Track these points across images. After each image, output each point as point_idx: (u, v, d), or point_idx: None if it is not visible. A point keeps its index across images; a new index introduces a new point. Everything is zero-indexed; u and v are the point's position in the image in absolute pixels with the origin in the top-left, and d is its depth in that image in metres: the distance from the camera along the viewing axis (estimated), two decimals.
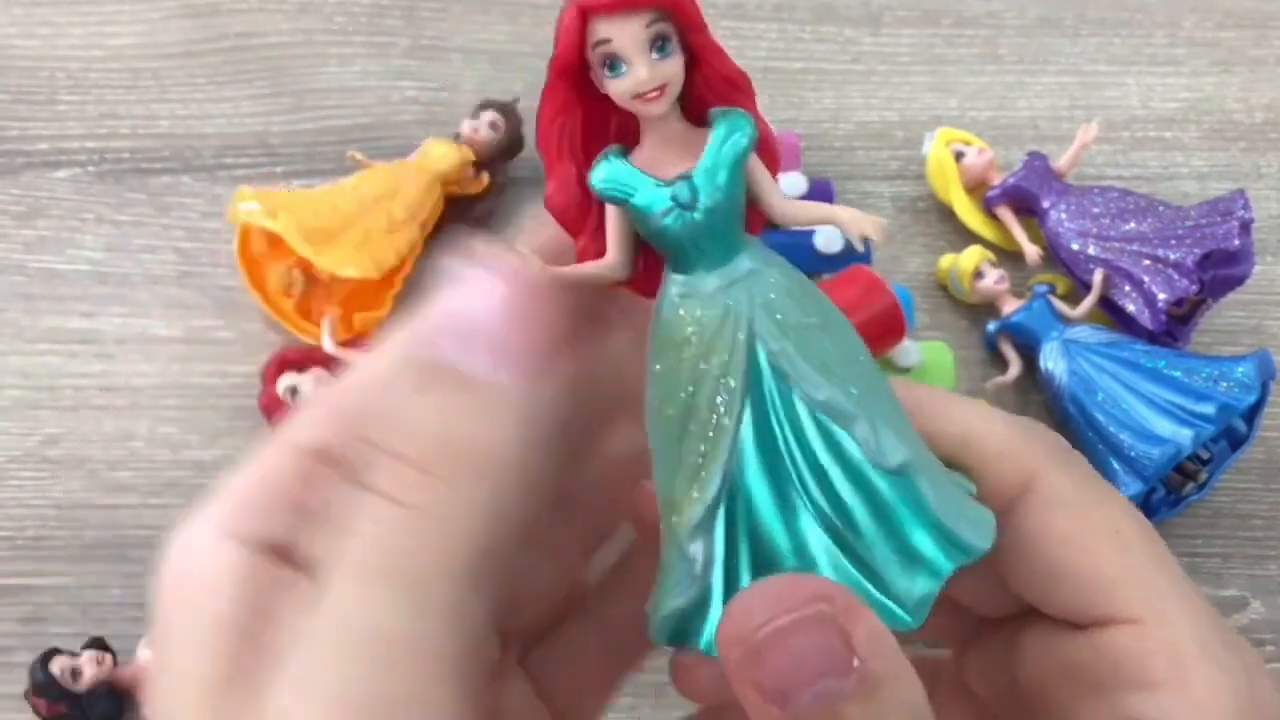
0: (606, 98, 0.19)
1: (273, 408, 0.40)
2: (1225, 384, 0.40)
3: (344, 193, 0.43)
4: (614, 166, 0.19)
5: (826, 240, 0.45)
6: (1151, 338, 0.43)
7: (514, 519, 0.17)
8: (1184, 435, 0.39)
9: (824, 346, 0.19)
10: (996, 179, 0.47)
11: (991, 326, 0.45)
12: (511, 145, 0.48)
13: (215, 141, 0.49)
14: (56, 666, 0.36)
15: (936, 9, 0.54)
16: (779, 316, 0.19)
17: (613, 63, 0.18)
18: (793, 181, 0.46)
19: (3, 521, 0.40)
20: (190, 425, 0.42)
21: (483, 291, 0.17)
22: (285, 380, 0.40)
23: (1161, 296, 0.42)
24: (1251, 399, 0.40)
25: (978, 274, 0.45)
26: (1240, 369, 0.41)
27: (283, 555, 0.17)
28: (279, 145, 0.49)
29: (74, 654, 0.36)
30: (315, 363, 0.41)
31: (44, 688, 0.36)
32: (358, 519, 0.17)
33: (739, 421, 0.18)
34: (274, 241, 0.43)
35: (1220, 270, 0.43)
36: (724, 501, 0.18)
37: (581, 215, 0.19)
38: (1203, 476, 0.41)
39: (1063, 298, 0.45)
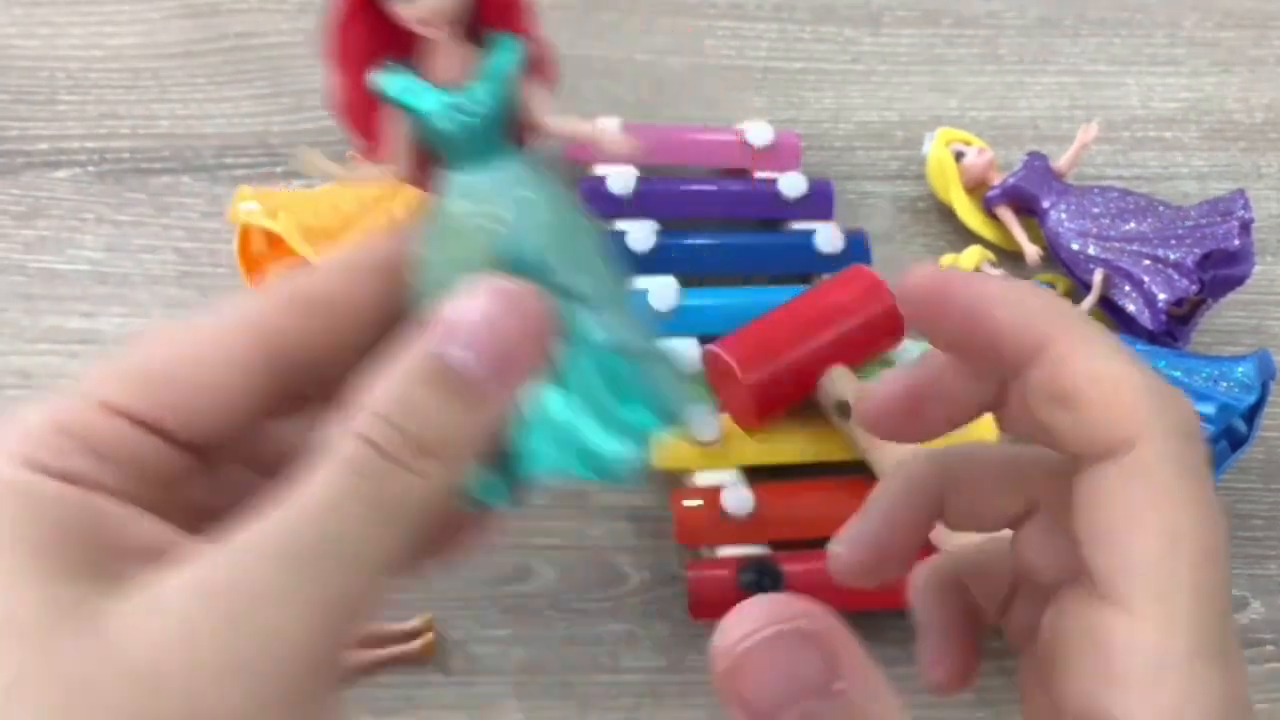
0: (389, 13, 0.21)
1: None
2: (1225, 384, 0.40)
3: (344, 193, 0.43)
4: (400, 76, 0.22)
5: (827, 240, 0.45)
6: (1151, 338, 0.43)
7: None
8: None
9: (570, 244, 0.21)
10: (996, 179, 0.47)
11: None
12: None
13: (215, 141, 0.49)
14: None
15: (936, 9, 0.54)
16: (537, 215, 0.21)
17: None
18: (792, 181, 0.46)
19: None
20: None
21: (479, 305, 0.19)
22: None
23: (1161, 296, 0.42)
24: (1251, 399, 0.40)
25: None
26: (1240, 369, 0.41)
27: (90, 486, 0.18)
28: (279, 145, 0.49)
29: None
30: None
31: None
32: (298, 485, 0.18)
33: None
34: (274, 241, 0.43)
35: (1220, 270, 0.43)
36: None
37: (368, 119, 0.22)
38: None
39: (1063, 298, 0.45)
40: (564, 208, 0.21)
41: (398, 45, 0.22)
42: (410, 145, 0.23)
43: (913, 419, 0.22)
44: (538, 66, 0.22)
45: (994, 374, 0.21)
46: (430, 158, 0.23)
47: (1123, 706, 0.18)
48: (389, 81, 0.22)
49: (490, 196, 0.21)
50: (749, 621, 0.17)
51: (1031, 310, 0.20)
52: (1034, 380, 0.19)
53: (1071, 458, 0.19)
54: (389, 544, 0.19)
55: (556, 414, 0.21)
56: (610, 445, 0.21)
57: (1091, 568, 0.19)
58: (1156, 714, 0.18)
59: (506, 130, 0.23)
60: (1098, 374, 0.19)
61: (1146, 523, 0.18)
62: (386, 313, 0.21)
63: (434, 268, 0.20)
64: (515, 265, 0.20)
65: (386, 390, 0.19)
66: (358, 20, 0.22)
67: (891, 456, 0.36)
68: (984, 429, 0.38)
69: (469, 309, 0.19)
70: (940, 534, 0.23)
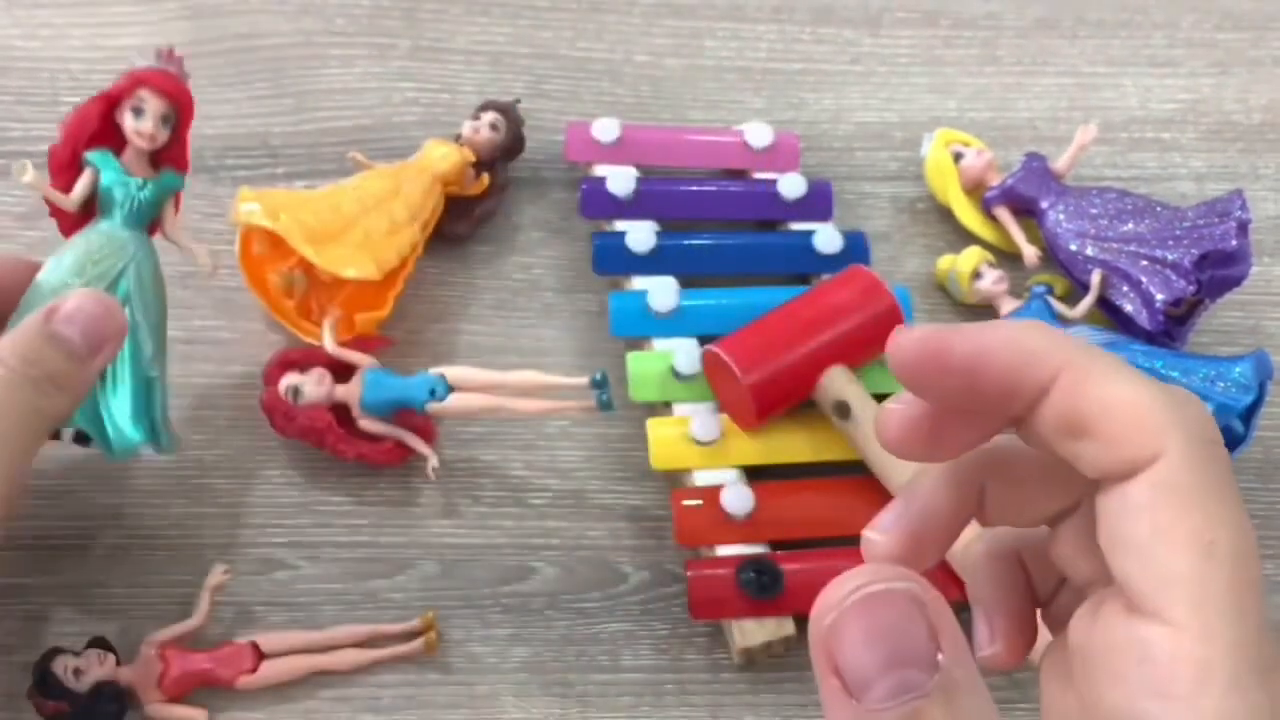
0: (117, 120, 0.37)
1: (274, 408, 0.40)
2: (1222, 384, 0.40)
3: (345, 194, 0.43)
4: (106, 156, 0.38)
5: (826, 241, 0.45)
6: (1149, 338, 0.43)
7: None
8: None
9: (148, 293, 0.37)
10: (995, 180, 0.48)
11: None
12: (512, 146, 0.48)
13: (217, 142, 0.49)
14: (59, 666, 0.36)
15: (935, 10, 0.55)
16: (137, 269, 0.37)
17: (137, 111, 0.37)
18: (791, 182, 0.46)
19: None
20: (192, 425, 0.42)
21: (82, 301, 0.34)
22: (287, 380, 0.41)
23: (1159, 297, 0.43)
24: (1249, 399, 0.40)
25: (976, 275, 0.45)
26: (1237, 369, 0.41)
27: None
28: (280, 146, 0.49)
29: (76, 653, 0.36)
30: (317, 363, 0.41)
31: (46, 687, 0.36)
32: None
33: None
34: (275, 242, 0.43)
35: (1218, 271, 0.43)
36: None
37: (69, 171, 0.37)
38: None
39: (1061, 298, 0.45)
40: (154, 267, 0.37)
41: (112, 139, 0.38)
42: (84, 195, 0.37)
43: (932, 440, 0.21)
44: (178, 197, 0.39)
45: (1005, 420, 0.21)
46: (90, 213, 0.38)
47: (1167, 717, 0.18)
48: (98, 154, 0.37)
49: (120, 244, 0.37)
50: (857, 578, 0.18)
51: (1032, 350, 0.19)
52: (1047, 416, 0.19)
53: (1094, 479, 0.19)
54: (32, 437, 0.33)
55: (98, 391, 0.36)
56: (116, 428, 0.36)
57: (1124, 580, 0.19)
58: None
59: (146, 218, 0.38)
60: (1110, 400, 0.19)
61: (1177, 536, 0.19)
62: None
63: (64, 270, 0.36)
64: (111, 289, 0.36)
65: (26, 343, 0.33)
66: (97, 115, 0.38)
67: (899, 465, 0.35)
68: None
69: (76, 301, 0.33)
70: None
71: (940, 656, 0.17)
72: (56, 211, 0.38)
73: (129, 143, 0.37)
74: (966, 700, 0.17)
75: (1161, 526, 0.19)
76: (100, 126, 0.37)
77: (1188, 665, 0.18)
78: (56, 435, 0.38)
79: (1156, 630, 0.19)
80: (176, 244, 0.39)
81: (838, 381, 0.39)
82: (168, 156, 0.38)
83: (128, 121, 0.37)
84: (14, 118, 0.49)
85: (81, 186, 0.37)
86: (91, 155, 0.37)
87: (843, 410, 0.36)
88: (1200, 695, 0.18)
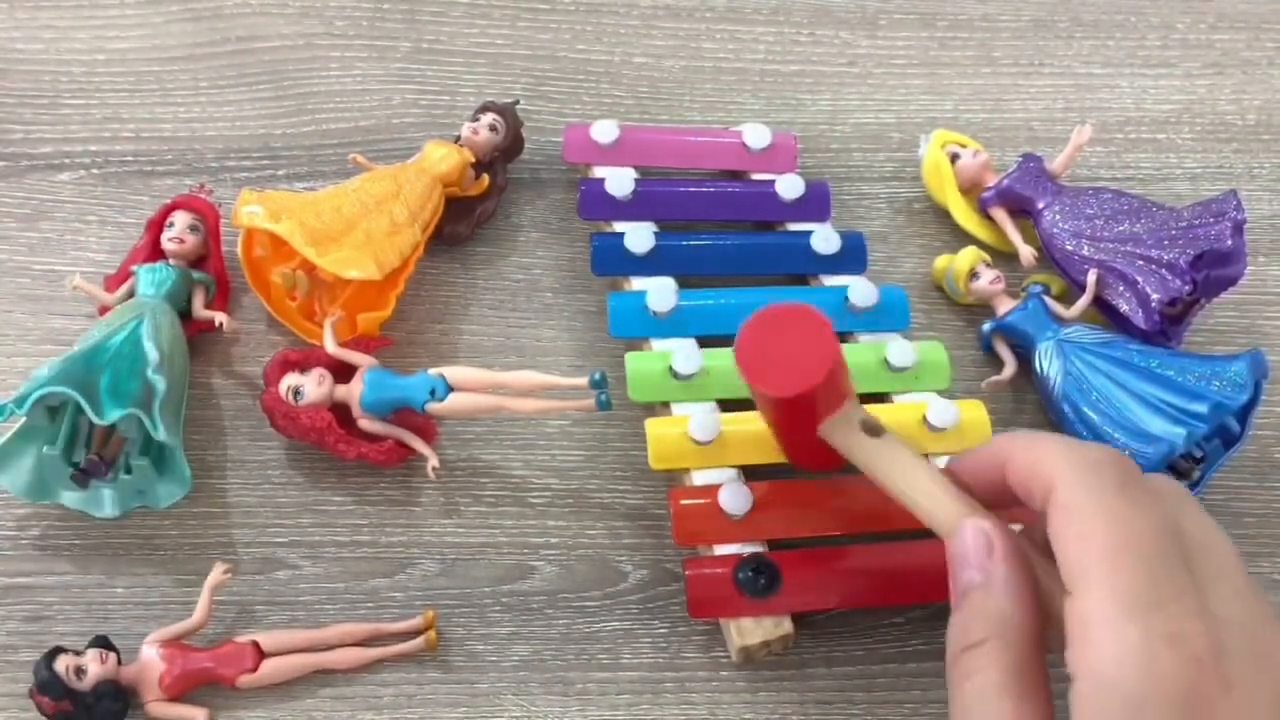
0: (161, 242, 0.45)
1: (275, 408, 0.41)
2: (1218, 383, 0.41)
3: (346, 195, 0.44)
4: (152, 267, 0.44)
5: (824, 241, 0.45)
6: (1145, 337, 0.43)
7: None
8: (1177, 434, 0.39)
9: (163, 332, 0.41)
10: (991, 180, 0.48)
11: (986, 326, 0.45)
12: (511, 147, 0.48)
13: (218, 144, 0.49)
14: (60, 665, 0.36)
15: (932, 12, 0.55)
16: (153, 315, 0.41)
17: (169, 225, 0.45)
18: (789, 183, 0.47)
19: (7, 521, 0.41)
20: (194, 425, 0.42)
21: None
22: (287, 380, 0.41)
23: (1155, 297, 0.43)
24: (1244, 398, 0.40)
25: (973, 274, 0.46)
26: (1233, 368, 0.41)
27: None
28: (281, 148, 0.49)
29: (78, 653, 0.37)
30: (317, 363, 0.41)
31: (48, 686, 0.36)
32: None
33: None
34: (278, 244, 0.44)
35: (1213, 270, 0.43)
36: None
37: (122, 274, 0.44)
38: (1196, 475, 0.42)
39: (1057, 298, 0.45)
40: (180, 336, 0.42)
41: (159, 254, 0.44)
42: (123, 296, 0.43)
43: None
44: (214, 297, 0.44)
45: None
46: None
47: (1071, 665, 0.26)
48: (144, 267, 0.43)
49: (138, 304, 0.42)
50: (970, 524, 0.29)
51: (1021, 463, 0.30)
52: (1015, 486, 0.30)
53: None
54: None
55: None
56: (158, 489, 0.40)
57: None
58: (1090, 668, 0.26)
59: (170, 296, 0.43)
60: (1025, 462, 0.29)
61: (1065, 537, 0.27)
62: None
63: (104, 329, 0.41)
64: (130, 335, 0.40)
65: None
66: (147, 245, 0.44)
67: (915, 482, 0.33)
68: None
69: None
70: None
71: (991, 566, 0.29)
72: (103, 308, 0.43)
73: (167, 254, 0.44)
74: (997, 596, 0.28)
75: (1057, 531, 0.28)
76: (151, 254, 0.44)
77: (1076, 619, 0.26)
78: (85, 483, 0.39)
79: (1069, 599, 0.27)
80: (200, 318, 0.43)
81: (860, 408, 0.35)
82: (204, 266, 0.44)
83: (163, 236, 0.44)
84: (16, 119, 0.49)
85: (123, 289, 0.43)
86: (136, 267, 0.43)
87: (874, 429, 0.34)
88: (1086, 639, 0.26)
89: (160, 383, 0.39)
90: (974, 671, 0.28)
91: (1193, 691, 0.25)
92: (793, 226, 0.47)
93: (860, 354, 0.43)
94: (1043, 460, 0.28)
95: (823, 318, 0.33)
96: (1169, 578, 0.26)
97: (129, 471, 0.39)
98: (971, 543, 0.29)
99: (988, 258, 0.46)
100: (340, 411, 0.41)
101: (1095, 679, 0.26)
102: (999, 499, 0.31)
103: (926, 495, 0.31)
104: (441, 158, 0.46)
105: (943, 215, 0.49)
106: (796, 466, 0.39)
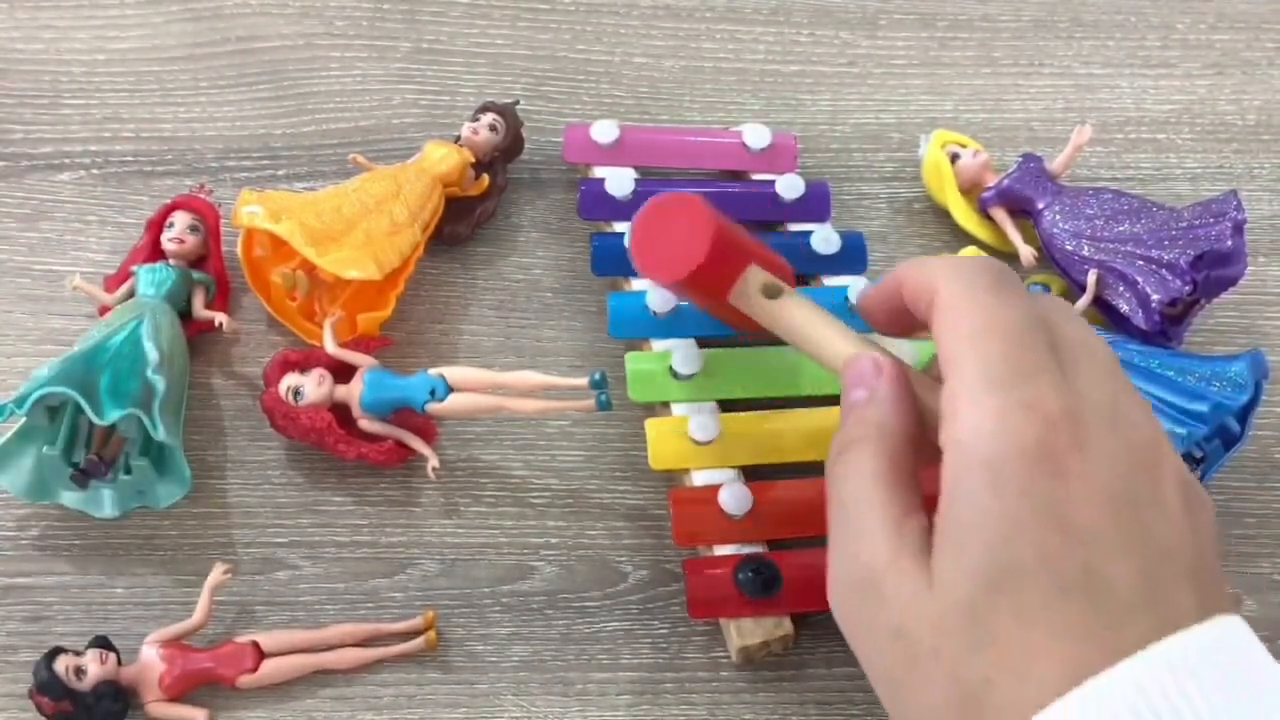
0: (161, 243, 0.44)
1: (275, 408, 0.41)
2: (1218, 383, 0.41)
3: (346, 195, 0.44)
4: (151, 267, 0.44)
5: (824, 241, 0.45)
6: (1145, 338, 0.43)
7: None
8: (1177, 434, 0.39)
9: (172, 359, 0.41)
10: (991, 180, 0.48)
11: None
12: (511, 147, 0.48)
13: (218, 144, 0.49)
14: (60, 665, 0.36)
15: (932, 12, 0.55)
16: (153, 314, 0.41)
17: (169, 225, 0.45)
18: (789, 183, 0.47)
19: (6, 521, 0.41)
20: (194, 425, 0.42)
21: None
22: (287, 381, 0.41)
23: (1155, 297, 0.43)
24: (1244, 398, 0.40)
25: None
26: (1233, 368, 0.41)
27: None
28: (281, 148, 0.49)
29: (78, 653, 0.37)
30: (317, 363, 0.41)
31: (47, 686, 0.36)
32: None
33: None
34: (278, 244, 0.44)
35: (1213, 271, 0.43)
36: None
37: (122, 275, 0.44)
38: (1196, 475, 0.42)
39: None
40: (180, 337, 0.42)
41: (159, 254, 0.44)
42: (123, 296, 0.43)
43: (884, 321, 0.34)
44: (213, 297, 0.44)
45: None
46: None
47: (940, 442, 0.28)
48: (144, 268, 0.43)
49: (138, 304, 0.42)
50: (863, 354, 0.32)
51: (914, 280, 0.31)
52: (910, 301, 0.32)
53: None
54: None
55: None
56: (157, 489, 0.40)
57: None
58: (952, 439, 0.28)
59: (170, 296, 0.43)
60: (915, 274, 0.31)
61: (941, 329, 0.30)
62: None
63: (105, 326, 0.41)
64: (130, 334, 0.40)
65: None
66: (148, 245, 0.44)
67: (822, 332, 0.34)
68: None
69: None
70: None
71: (875, 384, 0.31)
72: (103, 309, 0.43)
73: (168, 255, 0.44)
74: (880, 407, 0.31)
75: (935, 329, 0.30)
76: (151, 254, 0.44)
77: (946, 397, 0.28)
78: (84, 483, 0.39)
79: (942, 390, 0.29)
80: (200, 318, 0.43)
81: (760, 272, 0.37)
82: (204, 266, 0.44)
83: (163, 236, 0.44)
84: (16, 119, 0.49)
85: (123, 289, 0.43)
86: (136, 267, 0.43)
87: (773, 290, 0.35)
88: (953, 413, 0.28)
89: (160, 383, 0.39)
90: (849, 467, 0.30)
91: (1045, 447, 0.27)
92: (793, 227, 0.47)
93: None
94: (929, 272, 0.31)
95: (702, 201, 0.36)
96: (1030, 355, 0.28)
97: (129, 472, 0.39)
98: (862, 367, 0.32)
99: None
100: (340, 412, 0.41)
101: (957, 447, 0.28)
102: (903, 325, 0.33)
103: (827, 342, 0.33)
104: (441, 158, 0.46)
105: (943, 215, 0.49)
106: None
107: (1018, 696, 0.26)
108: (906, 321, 0.33)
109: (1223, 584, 0.29)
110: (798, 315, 0.34)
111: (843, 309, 0.44)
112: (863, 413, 0.31)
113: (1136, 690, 0.25)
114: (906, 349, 0.42)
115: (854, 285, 0.44)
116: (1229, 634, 0.27)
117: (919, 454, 0.31)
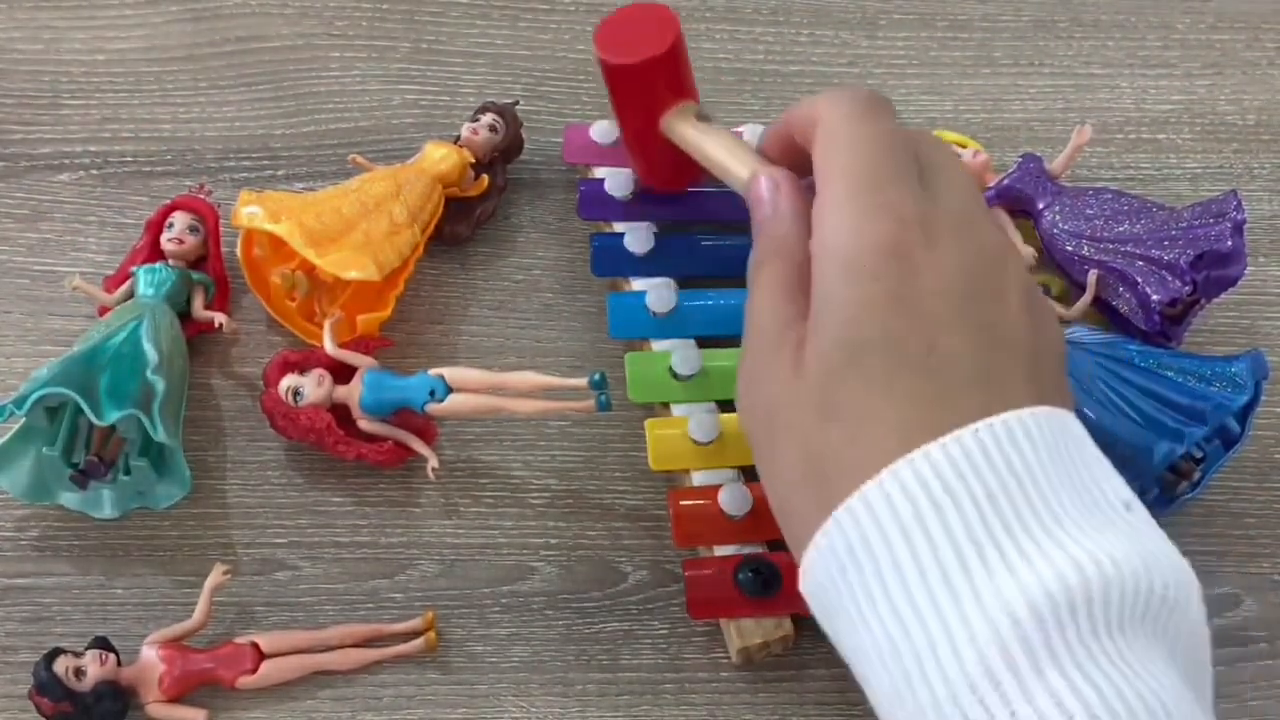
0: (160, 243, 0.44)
1: (275, 409, 0.41)
2: (1218, 384, 0.41)
3: (346, 196, 0.44)
4: (150, 267, 0.44)
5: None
6: (1145, 338, 0.43)
7: None
8: (1177, 434, 0.39)
9: (171, 358, 0.41)
10: (991, 181, 0.48)
11: None
12: (511, 147, 0.48)
13: (217, 145, 0.49)
14: (60, 666, 0.36)
15: (931, 12, 0.55)
16: (153, 315, 0.41)
17: (169, 226, 0.44)
18: None
19: (6, 521, 0.41)
20: (193, 425, 0.42)
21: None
22: (287, 381, 0.41)
23: (1155, 297, 0.43)
24: (1244, 398, 0.40)
25: None
26: (1233, 368, 0.41)
27: None
28: (280, 148, 0.49)
29: (77, 654, 0.37)
30: (316, 364, 0.41)
31: (47, 687, 0.36)
32: None
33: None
34: (277, 244, 0.44)
35: (1213, 271, 0.43)
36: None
37: (121, 275, 0.45)
38: (1196, 475, 0.42)
39: (1057, 298, 0.45)
40: (179, 337, 0.42)
41: (159, 255, 0.44)
42: (123, 297, 0.43)
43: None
44: (213, 297, 0.44)
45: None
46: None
47: (811, 247, 0.31)
48: (143, 268, 0.43)
49: (138, 305, 0.42)
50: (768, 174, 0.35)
51: (804, 114, 0.34)
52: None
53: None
54: None
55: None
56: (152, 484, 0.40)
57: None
58: (817, 244, 0.31)
59: (169, 296, 0.43)
60: (802, 110, 0.34)
61: (817, 151, 0.32)
62: None
63: (107, 325, 0.41)
64: (129, 335, 0.40)
65: None
66: (147, 246, 0.44)
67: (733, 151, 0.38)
68: None
69: None
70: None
71: (774, 206, 0.34)
72: (103, 309, 0.43)
73: (167, 255, 0.44)
74: (779, 225, 0.33)
75: (814, 153, 0.32)
76: (151, 255, 0.44)
77: (814, 212, 0.31)
78: (84, 484, 0.39)
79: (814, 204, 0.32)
80: (199, 319, 0.43)
81: (694, 106, 0.41)
82: (204, 267, 0.44)
83: (162, 237, 0.44)
84: (15, 119, 0.49)
85: (123, 290, 0.43)
86: (136, 268, 0.43)
87: (706, 119, 0.40)
88: (819, 222, 0.31)
89: (160, 384, 0.39)
90: (759, 282, 0.33)
91: (897, 242, 0.29)
92: None
93: None
94: (811, 104, 0.33)
95: (669, 11, 0.40)
96: (890, 166, 0.31)
97: (128, 472, 0.39)
98: (763, 185, 0.34)
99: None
100: (340, 412, 0.41)
101: (821, 248, 0.30)
102: (797, 161, 0.35)
103: (734, 161, 0.36)
104: (441, 158, 0.46)
105: None
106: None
107: (855, 461, 0.28)
108: (800, 157, 0.34)
109: (1065, 390, 0.31)
110: (718, 139, 0.38)
111: None
112: (769, 230, 0.34)
113: (964, 456, 0.27)
114: None
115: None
116: (1058, 421, 0.29)
117: None
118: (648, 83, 0.40)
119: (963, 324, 0.29)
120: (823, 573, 0.29)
